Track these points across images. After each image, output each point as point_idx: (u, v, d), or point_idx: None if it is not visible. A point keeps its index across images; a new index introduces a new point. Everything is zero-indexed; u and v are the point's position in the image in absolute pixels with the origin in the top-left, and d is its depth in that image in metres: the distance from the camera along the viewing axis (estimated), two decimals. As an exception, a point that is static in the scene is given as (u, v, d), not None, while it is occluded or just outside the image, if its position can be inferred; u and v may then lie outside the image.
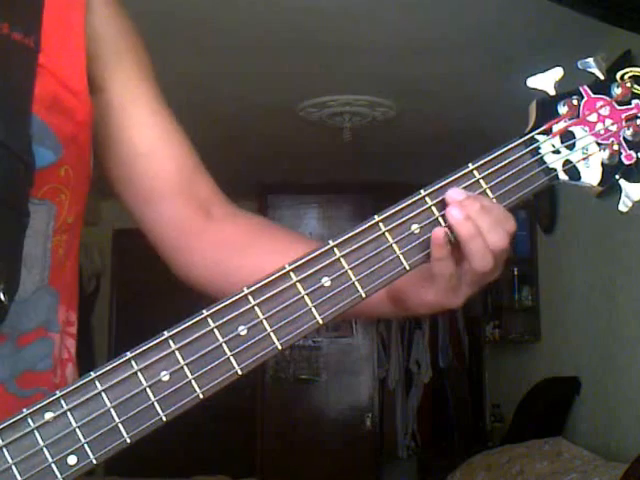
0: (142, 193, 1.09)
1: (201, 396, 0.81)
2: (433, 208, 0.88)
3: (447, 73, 4.48)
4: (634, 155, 0.92)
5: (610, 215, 4.01)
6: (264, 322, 0.83)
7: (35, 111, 0.89)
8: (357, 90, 4.83)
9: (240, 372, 0.82)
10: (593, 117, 0.92)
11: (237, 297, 0.83)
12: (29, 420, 0.77)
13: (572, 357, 4.79)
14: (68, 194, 0.96)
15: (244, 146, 5.84)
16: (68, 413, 0.78)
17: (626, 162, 0.92)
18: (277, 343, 0.83)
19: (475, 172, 0.89)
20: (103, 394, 0.79)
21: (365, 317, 5.50)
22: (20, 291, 0.89)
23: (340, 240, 0.86)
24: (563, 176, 0.92)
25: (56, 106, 0.93)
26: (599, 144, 0.92)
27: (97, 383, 0.79)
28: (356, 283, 0.86)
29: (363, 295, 0.86)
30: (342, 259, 0.86)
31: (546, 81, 0.92)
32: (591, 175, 0.92)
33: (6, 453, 0.76)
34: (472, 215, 0.86)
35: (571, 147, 0.92)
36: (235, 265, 1.06)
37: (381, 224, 0.87)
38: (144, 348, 0.81)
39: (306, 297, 0.84)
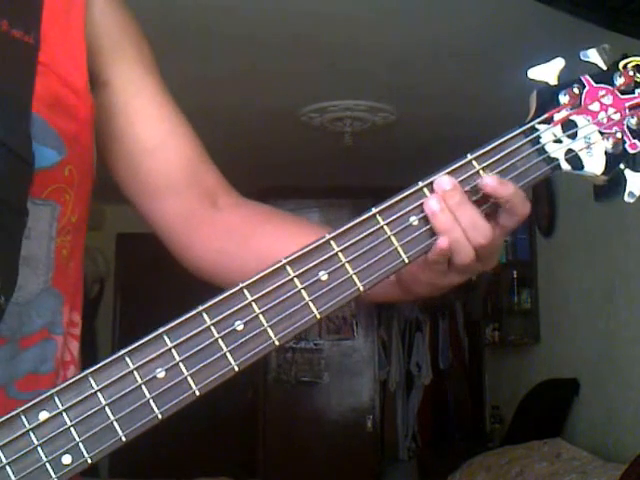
0: (149, 188, 1.08)
1: (197, 393, 0.80)
2: None
3: (447, 78, 4.48)
4: (638, 144, 0.91)
5: (609, 218, 4.02)
6: (260, 317, 0.82)
7: (37, 110, 0.89)
8: (358, 95, 4.84)
9: (237, 368, 0.81)
10: (595, 106, 0.91)
11: (233, 291, 0.82)
12: (23, 419, 0.76)
13: (571, 359, 4.78)
14: (72, 194, 0.96)
15: (246, 150, 5.85)
16: (62, 411, 0.77)
17: (630, 151, 0.91)
18: (274, 338, 0.82)
19: (474, 162, 0.88)
20: (97, 392, 0.78)
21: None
22: (24, 293, 0.89)
23: (337, 233, 0.85)
24: (565, 165, 0.90)
25: (58, 104, 0.92)
26: (602, 133, 0.91)
27: (91, 380, 0.78)
28: (354, 277, 0.84)
29: (361, 289, 0.85)
30: (339, 252, 0.85)
31: (547, 72, 0.92)
32: (594, 164, 0.91)
33: (0, 452, 0.75)
34: (451, 207, 0.85)
35: (573, 136, 0.90)
36: (244, 254, 1.05)
37: (379, 216, 0.86)
38: (138, 344, 0.80)
39: (303, 291, 0.83)
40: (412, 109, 5.00)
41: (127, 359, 0.79)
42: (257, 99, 4.84)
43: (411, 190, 0.87)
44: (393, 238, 0.86)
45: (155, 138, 1.07)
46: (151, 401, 0.79)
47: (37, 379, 0.92)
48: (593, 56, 0.92)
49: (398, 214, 0.86)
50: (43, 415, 0.76)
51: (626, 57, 0.94)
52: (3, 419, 0.76)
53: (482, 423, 6.79)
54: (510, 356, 6.16)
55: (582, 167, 0.91)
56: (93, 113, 0.98)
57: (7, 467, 0.75)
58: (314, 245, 0.84)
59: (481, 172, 0.87)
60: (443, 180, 0.86)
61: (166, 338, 0.80)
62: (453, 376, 7.05)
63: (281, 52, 4.17)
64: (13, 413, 0.76)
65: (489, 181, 0.86)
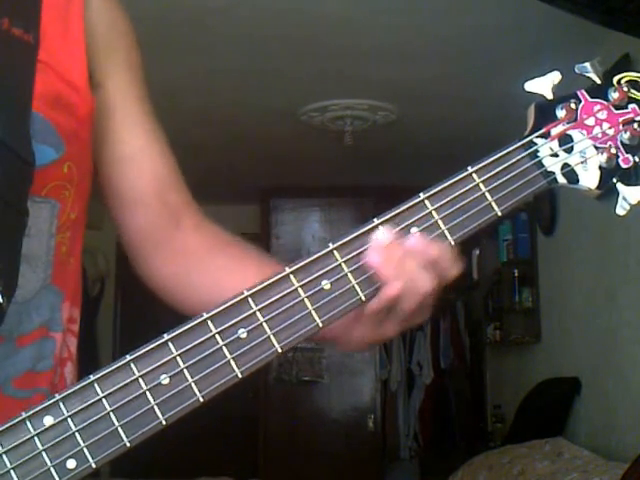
0: (120, 196, 1.08)
1: (201, 400, 0.81)
2: (433, 212, 0.88)
3: (447, 77, 4.48)
4: (631, 159, 0.92)
5: (610, 217, 3.98)
6: (264, 325, 0.83)
7: (36, 108, 0.89)
8: (358, 94, 4.84)
9: (240, 375, 0.82)
10: (591, 121, 0.92)
11: (237, 299, 0.83)
12: (28, 424, 0.77)
13: (572, 358, 4.78)
14: (72, 191, 0.96)
15: (247, 150, 5.85)
16: (67, 417, 0.77)
17: (623, 165, 0.92)
18: (277, 346, 0.83)
19: (474, 175, 0.89)
20: (102, 397, 0.79)
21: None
22: (23, 291, 0.89)
23: (340, 243, 0.86)
24: (561, 179, 0.91)
25: (58, 102, 0.93)
26: (597, 147, 0.92)
27: (96, 386, 0.79)
28: (356, 286, 0.85)
29: (363, 298, 0.86)
30: (342, 263, 0.85)
31: (544, 85, 0.92)
32: (589, 178, 0.92)
33: (5, 457, 0.76)
34: (394, 259, 0.85)
35: (569, 150, 0.92)
36: (191, 278, 1.08)
37: (380, 228, 0.87)
38: (144, 351, 0.80)
39: (306, 300, 0.84)
40: (413, 108, 4.99)
41: (132, 365, 0.80)
42: (257, 98, 4.84)
43: (412, 202, 0.88)
44: None
45: (134, 147, 1.08)
46: (155, 407, 0.80)
47: (35, 377, 0.92)
48: (587, 70, 0.94)
49: (400, 226, 0.87)
50: (48, 420, 0.77)
51: (628, 57, 0.94)
52: (8, 424, 0.76)
53: (483, 422, 6.79)
54: (511, 355, 6.16)
55: (577, 181, 0.92)
56: (93, 110, 0.99)
57: (12, 472, 0.75)
58: (318, 255, 0.85)
59: (481, 185, 0.88)
60: (381, 236, 0.86)
61: (171, 345, 0.81)
62: (454, 375, 7.05)
63: (282, 51, 4.17)
64: (18, 419, 0.77)
65: (414, 242, 0.86)
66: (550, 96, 0.92)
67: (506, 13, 3.67)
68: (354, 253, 0.86)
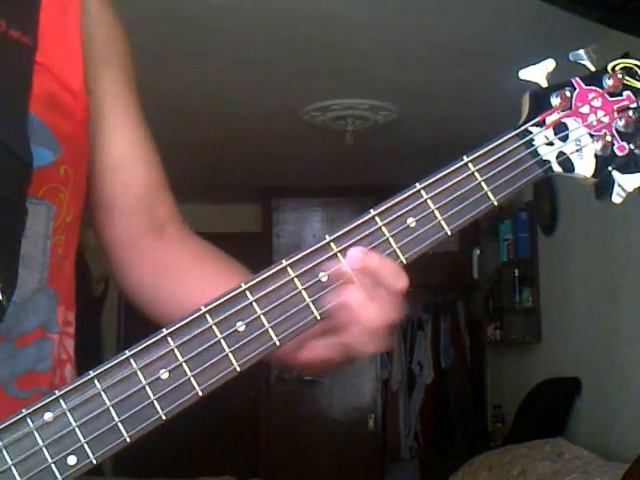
0: (106, 205, 1.07)
1: (200, 393, 0.81)
2: (429, 201, 0.87)
3: (449, 77, 4.49)
4: (626, 146, 0.92)
5: (610, 216, 4.01)
6: (262, 317, 0.83)
7: (33, 110, 0.89)
8: (360, 94, 4.85)
9: (239, 369, 0.82)
10: (585, 109, 0.92)
11: (235, 293, 0.83)
12: (28, 420, 0.77)
13: (572, 358, 4.78)
14: (67, 193, 0.96)
15: (248, 150, 5.86)
16: (67, 413, 0.77)
17: (619, 153, 0.92)
18: (275, 339, 0.83)
19: (470, 164, 0.88)
20: (102, 393, 0.79)
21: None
22: (20, 292, 0.88)
23: (336, 235, 0.86)
24: (557, 168, 0.91)
25: (54, 105, 0.92)
26: (592, 135, 0.92)
27: (96, 382, 0.79)
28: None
29: None
30: (339, 254, 0.85)
31: (538, 73, 0.92)
32: (585, 166, 0.91)
33: (5, 454, 0.76)
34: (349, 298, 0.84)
35: (564, 139, 0.91)
36: (168, 289, 1.08)
37: (377, 218, 0.86)
38: (143, 346, 0.80)
39: (304, 292, 0.84)
40: (414, 108, 5.01)
41: (131, 360, 0.80)
42: (259, 98, 4.85)
43: (408, 192, 0.87)
44: (391, 240, 0.86)
45: (122, 158, 1.07)
46: (155, 402, 0.79)
47: (35, 377, 0.93)
48: (582, 57, 0.93)
49: (395, 215, 0.87)
50: (48, 416, 0.77)
51: (627, 56, 0.94)
52: (9, 422, 0.76)
53: (484, 422, 6.79)
54: (512, 355, 6.16)
55: (573, 169, 0.92)
56: (89, 114, 0.98)
57: (13, 468, 0.75)
58: (315, 247, 0.85)
59: (476, 174, 0.88)
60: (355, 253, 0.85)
61: (169, 339, 0.81)
62: (455, 375, 7.05)
63: (283, 51, 4.18)
64: (19, 416, 0.77)
65: (352, 257, 0.85)
66: (545, 84, 0.92)
67: (506, 12, 3.68)
68: (350, 241, 0.85)
